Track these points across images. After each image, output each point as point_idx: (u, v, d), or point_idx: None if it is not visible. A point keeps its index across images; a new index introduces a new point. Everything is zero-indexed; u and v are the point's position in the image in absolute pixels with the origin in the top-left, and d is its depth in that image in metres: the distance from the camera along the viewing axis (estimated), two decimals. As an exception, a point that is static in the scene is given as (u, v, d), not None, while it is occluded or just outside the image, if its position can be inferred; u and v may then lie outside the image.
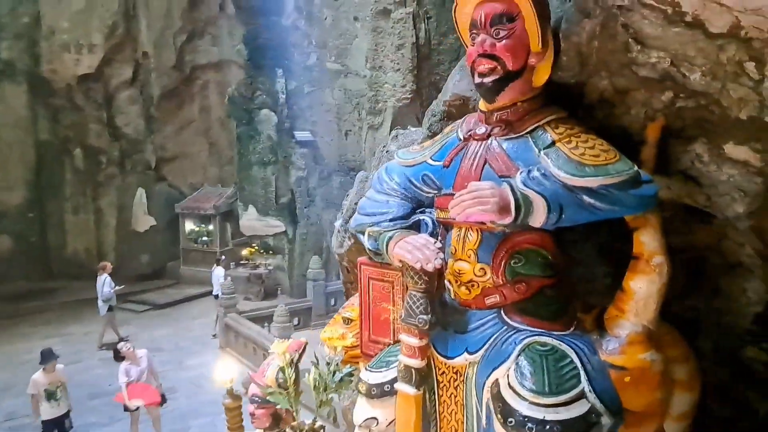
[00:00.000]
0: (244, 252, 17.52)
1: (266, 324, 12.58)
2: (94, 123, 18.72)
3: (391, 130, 16.80)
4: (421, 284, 1.89)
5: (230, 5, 19.10)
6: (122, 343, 8.37)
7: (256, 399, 4.04)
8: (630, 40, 1.69)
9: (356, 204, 2.96)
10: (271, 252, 17.36)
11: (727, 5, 1.42)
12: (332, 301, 14.55)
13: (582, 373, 1.75)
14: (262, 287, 16.71)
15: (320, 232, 16.87)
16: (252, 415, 4.14)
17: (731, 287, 1.98)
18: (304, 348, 3.98)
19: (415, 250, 1.91)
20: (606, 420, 1.70)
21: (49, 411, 7.81)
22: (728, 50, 1.55)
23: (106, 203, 18.89)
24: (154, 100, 19.05)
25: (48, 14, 17.98)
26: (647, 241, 1.82)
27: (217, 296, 14.06)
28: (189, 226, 18.66)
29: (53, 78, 18.34)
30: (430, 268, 1.86)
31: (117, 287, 13.15)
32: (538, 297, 1.93)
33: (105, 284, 12.86)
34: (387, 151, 2.80)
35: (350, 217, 2.97)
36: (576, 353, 1.80)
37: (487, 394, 1.83)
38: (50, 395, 7.74)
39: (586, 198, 1.78)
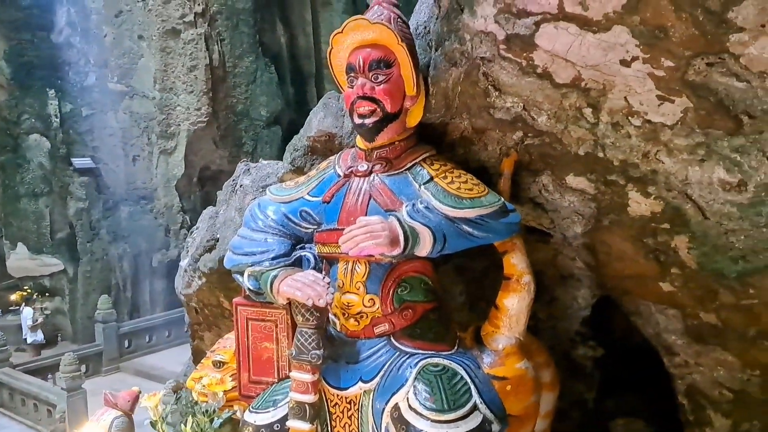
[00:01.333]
0: (14, 296, 15.29)
1: (50, 375, 11.15)
2: None
3: (186, 155, 16.23)
4: (312, 321, 1.90)
5: (-15, 16, 16.77)
6: None
7: (88, 458, 3.60)
8: (489, 86, 1.92)
9: (208, 241, 2.86)
10: (47, 294, 15.43)
11: (571, 61, 1.70)
12: (126, 343, 13.47)
13: (472, 387, 1.90)
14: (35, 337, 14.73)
15: (107, 267, 15.50)
16: (77, 485, 3.67)
17: (564, 296, 2.33)
18: (137, 398, 3.65)
19: (305, 287, 1.92)
20: (496, 427, 1.87)
21: None
22: (570, 97, 1.84)
23: None
24: None
25: None
26: (517, 263, 2.05)
27: (25, 340, 13.01)
28: (-65, 271, 15.76)
29: None
30: (322, 303, 1.88)
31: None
32: (423, 321, 2.05)
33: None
34: (241, 186, 2.73)
35: (200, 256, 2.85)
36: (465, 370, 1.95)
37: (386, 419, 1.89)
38: None
39: (465, 227, 1.95)
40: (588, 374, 2.39)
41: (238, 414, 2.20)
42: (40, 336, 13.20)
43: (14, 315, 14.81)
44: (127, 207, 16.08)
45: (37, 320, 13.20)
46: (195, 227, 3.17)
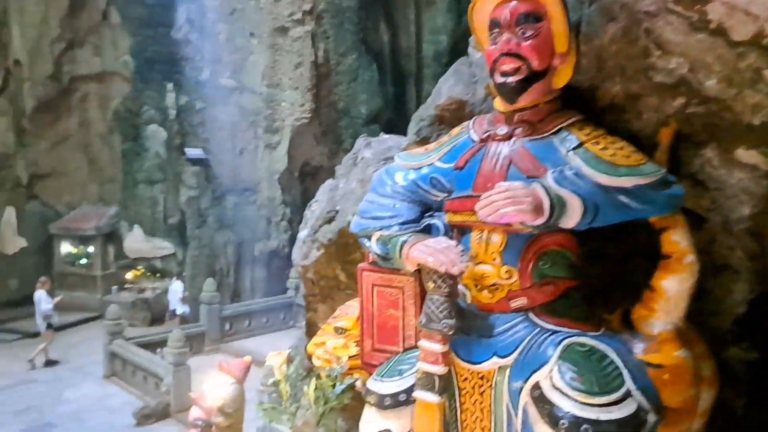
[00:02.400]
0: (129, 275, 16.40)
1: (159, 350, 11.78)
2: (-49, 135, 16.83)
3: (289, 150, 16.66)
4: (445, 288, 1.81)
5: (114, 14, 18.02)
6: None
7: (199, 423, 3.73)
8: (650, 45, 1.75)
9: (328, 212, 2.85)
10: (158, 275, 16.39)
11: (753, 14, 1.51)
12: (227, 326, 14.00)
13: (624, 371, 1.75)
14: (148, 312, 15.71)
15: (213, 254, 16.22)
16: (194, 439, 3.82)
17: (717, 289, 2.09)
18: (249, 367, 3.75)
19: (438, 253, 1.84)
20: (651, 417, 1.70)
21: None
22: (748, 57, 1.65)
23: (-33, 224, 16.96)
24: (26, 112, 17.45)
25: None
26: (679, 240, 1.86)
27: (174, 312, 13.99)
28: (65, 248, 17.16)
29: None
30: (455, 271, 1.80)
31: (56, 299, 12.76)
32: (565, 298, 1.92)
33: (42, 300, 12.30)
34: (362, 158, 2.71)
35: (319, 227, 2.85)
36: (615, 352, 1.80)
37: (525, 398, 1.78)
38: None
39: (621, 198, 1.79)
40: (738, 379, 2.14)
41: (358, 384, 2.16)
42: (187, 309, 14.07)
43: (129, 292, 15.93)
44: (233, 197, 16.77)
45: (185, 294, 14.03)
46: (314, 200, 3.18)
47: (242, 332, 14.14)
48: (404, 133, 2.69)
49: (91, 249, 16.99)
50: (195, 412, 3.70)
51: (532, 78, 1.93)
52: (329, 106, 17.71)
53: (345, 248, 2.65)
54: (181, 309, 14.41)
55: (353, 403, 2.20)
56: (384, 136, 2.80)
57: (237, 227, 16.59)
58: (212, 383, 3.23)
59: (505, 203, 1.73)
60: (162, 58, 16.87)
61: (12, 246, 17.13)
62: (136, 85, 16.85)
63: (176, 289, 14.51)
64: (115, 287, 16.84)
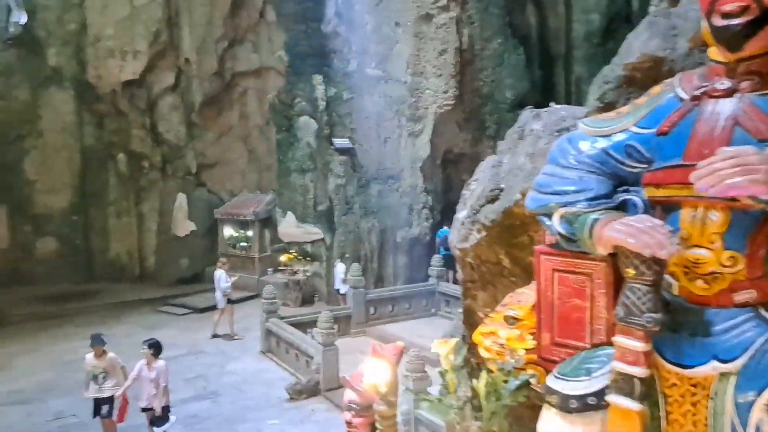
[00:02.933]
0: (282, 258, 17.35)
1: (309, 330, 12.28)
2: (137, 129, 18.82)
3: (432, 137, 16.45)
4: (649, 275, 1.54)
5: (271, 12, 19.04)
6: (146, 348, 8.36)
7: (354, 406, 3.73)
8: None
9: (491, 191, 2.64)
10: (308, 259, 17.15)
11: None
12: (371, 310, 14.29)
13: None
14: (300, 293, 16.51)
15: (358, 240, 16.63)
16: (348, 423, 3.81)
17: None
18: (401, 352, 3.67)
19: (641, 233, 1.57)
20: None
21: (91, 391, 8.28)
22: None
23: (148, 208, 18.93)
24: (195, 107, 19.06)
25: (94, 21, 18.17)
26: None
27: (338, 291, 15.00)
28: (228, 231, 18.55)
29: (98, 84, 18.50)
30: (664, 255, 1.52)
31: (233, 278, 14.24)
32: (811, 295, 1.57)
33: (221, 279, 13.65)
34: (531, 130, 2.45)
35: (480, 207, 2.64)
36: None
37: (760, 413, 1.47)
38: (94, 377, 8.23)
39: None
40: None
41: (533, 381, 1.94)
42: (348, 288, 14.69)
43: (283, 274, 16.85)
44: (377, 185, 17.04)
45: (348, 275, 14.74)
46: (473, 178, 2.97)
47: (386, 317, 14.37)
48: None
49: (250, 233, 18.20)
50: (349, 395, 3.69)
51: (764, 19, 1.59)
52: (473, 93, 17.36)
53: (510, 230, 2.41)
54: (343, 289, 15.00)
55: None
56: (555, 106, 2.52)
57: (381, 214, 16.86)
58: (366, 367, 3.19)
59: (733, 172, 1.42)
60: (313, 51, 17.51)
61: (183, 229, 18.86)
62: (290, 78, 17.66)
63: (340, 270, 15.19)
64: (270, 269, 17.95)
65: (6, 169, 17.88)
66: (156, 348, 8.36)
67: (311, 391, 10.58)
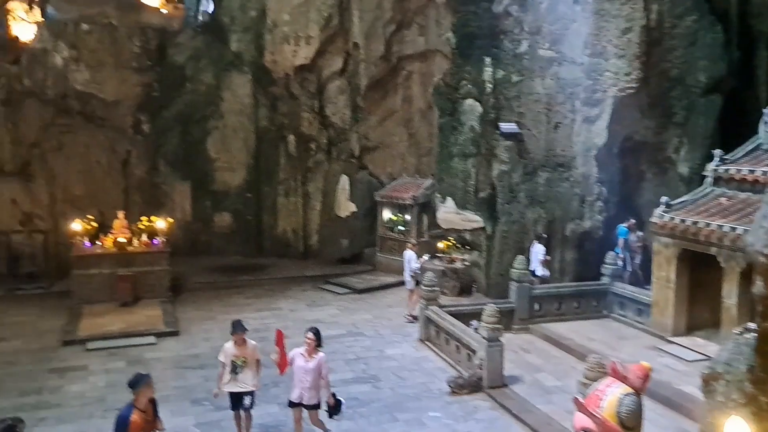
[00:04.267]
0: (440, 245, 17.11)
1: (471, 323, 11.89)
2: (306, 111, 19.56)
3: (609, 123, 15.22)
4: None
5: (440, -6, 18.72)
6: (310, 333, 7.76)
7: (592, 435, 3.21)
8: None
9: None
10: (467, 247, 16.73)
11: None
12: (536, 306, 13.56)
13: None
14: (458, 282, 16.18)
15: (522, 231, 15.88)
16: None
17: None
18: (648, 375, 2.96)
19: None
20: None
21: (230, 383, 7.80)
22: None
23: (313, 188, 19.67)
24: (360, 91, 19.35)
25: (272, 8, 19.05)
26: None
27: (534, 273, 14.42)
28: (386, 214, 18.70)
29: (274, 68, 19.45)
30: None
31: (422, 259, 14.45)
32: None
33: (412, 260, 14.05)
34: None
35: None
36: None
37: None
38: (234, 368, 7.72)
39: None
40: None
41: None
42: (547, 272, 14.63)
43: (440, 261, 16.59)
44: (546, 173, 16.14)
45: (546, 257, 14.65)
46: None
47: (551, 315, 13.63)
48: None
49: (407, 217, 18.19)
50: (582, 421, 3.15)
51: None
52: (660, 75, 15.77)
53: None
54: (541, 271, 14.65)
55: None
56: None
57: (548, 204, 15.97)
58: (608, 391, 2.69)
59: None
60: (481, 33, 16.92)
61: (345, 210, 19.35)
62: (456, 61, 17.24)
63: (537, 250, 14.76)
64: (427, 255, 17.78)
65: (192, 147, 19.48)
66: (319, 337, 7.77)
67: (474, 386, 10.23)
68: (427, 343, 12.52)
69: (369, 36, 18.73)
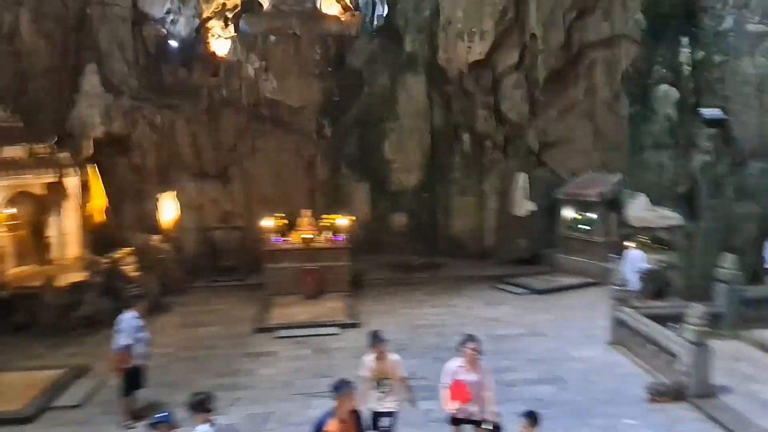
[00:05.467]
0: (631, 245, 15.64)
1: (671, 325, 10.58)
2: (481, 108, 19.21)
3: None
4: None
5: (631, -25, 17.31)
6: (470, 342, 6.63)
7: None
8: None
9: None
10: (662, 246, 15.11)
11: None
12: (748, 311, 11.76)
13: None
14: (651, 285, 14.61)
15: (730, 228, 13.98)
16: None
17: None
18: None
19: None
20: None
21: (372, 400, 6.68)
22: None
23: (489, 187, 19.21)
24: (539, 83, 18.54)
25: (446, 6, 19.03)
26: None
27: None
28: (569, 213, 17.60)
29: (448, 66, 19.41)
30: None
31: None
32: None
33: (637, 259, 13.48)
34: None
35: None
36: None
37: None
38: (376, 385, 6.67)
39: None
40: None
41: None
42: None
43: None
44: (758, 163, 14.19)
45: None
46: None
47: (766, 321, 11.73)
48: None
49: (593, 215, 16.95)
50: None
51: None
52: None
53: None
54: None
55: None
56: None
57: (762, 198, 13.92)
58: None
59: None
60: (676, 12, 15.42)
61: (522, 209, 18.60)
62: (647, 44, 15.81)
63: None
64: (615, 255, 16.42)
65: (369, 149, 20.06)
66: (479, 345, 6.63)
67: (676, 394, 9.07)
68: (617, 346, 11.43)
69: (548, 25, 17.90)
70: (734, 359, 10.46)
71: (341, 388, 5.39)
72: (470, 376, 6.57)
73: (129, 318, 8.73)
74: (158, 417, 5.50)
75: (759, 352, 10.88)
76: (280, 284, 15.40)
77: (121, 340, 8.60)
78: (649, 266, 13.24)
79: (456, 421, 6.77)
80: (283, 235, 16.18)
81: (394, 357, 6.87)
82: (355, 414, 5.61)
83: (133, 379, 8.73)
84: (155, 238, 16.99)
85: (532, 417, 5.85)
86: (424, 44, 19.73)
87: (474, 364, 6.59)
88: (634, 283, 13.16)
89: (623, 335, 11.35)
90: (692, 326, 9.20)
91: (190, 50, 21.55)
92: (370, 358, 6.78)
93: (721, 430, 8.11)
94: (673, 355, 9.59)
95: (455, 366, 6.66)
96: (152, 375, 9.63)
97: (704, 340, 9.14)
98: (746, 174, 14.15)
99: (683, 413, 8.67)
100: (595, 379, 10.02)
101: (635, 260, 13.33)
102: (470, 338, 6.72)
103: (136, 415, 8.62)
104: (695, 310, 9.33)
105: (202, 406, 5.59)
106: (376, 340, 6.78)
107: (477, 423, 6.62)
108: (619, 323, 11.46)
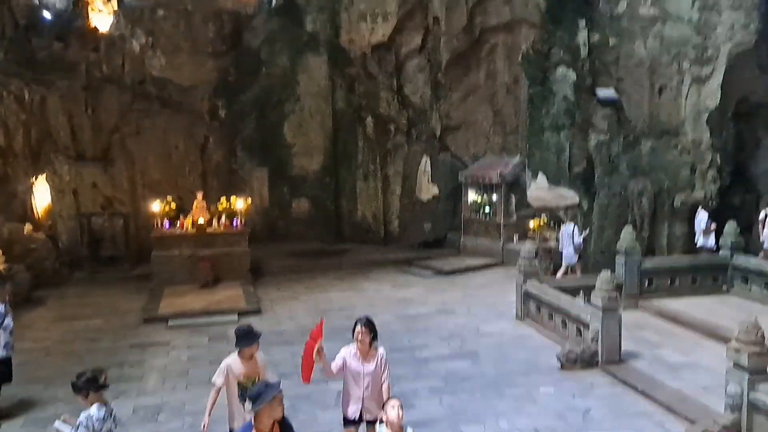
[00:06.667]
0: (531, 224, 15.89)
1: (577, 297, 10.62)
2: (384, 91, 18.78)
3: (722, 84, 13.48)
4: None
5: (525, -41, 17.49)
6: None
7: None
8: None
9: None
10: (561, 225, 15.38)
11: None
12: (646, 282, 12.15)
13: None
14: (551, 263, 14.85)
15: (624, 204, 14.47)
16: None
17: None
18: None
19: None
20: None
21: (240, 416, 5.24)
22: None
23: (393, 171, 18.85)
24: (441, 67, 18.38)
25: (349, -15, 18.39)
26: None
27: (700, 246, 13.63)
28: (471, 196, 17.58)
29: (350, 48, 18.80)
30: None
31: (584, 234, 13.53)
32: None
33: (575, 234, 13.30)
34: None
35: None
36: None
37: None
38: (243, 393, 5.07)
39: None
40: None
41: None
42: (712, 242, 13.37)
43: (532, 242, 15.33)
44: (650, 141, 14.76)
45: (711, 226, 13.46)
46: None
47: (663, 290, 12.29)
48: None
49: (494, 197, 17.03)
50: None
51: None
52: (782, 27, 14.03)
53: None
54: (702, 241, 13.55)
55: None
56: None
57: (654, 174, 14.52)
58: None
59: None
60: (574, -6, 15.69)
61: (426, 193, 18.39)
62: (546, 26, 16.01)
63: (701, 219, 13.62)
64: (515, 235, 16.60)
65: (268, 132, 19.07)
66: (373, 328, 5.48)
67: (587, 361, 9.05)
68: (526, 320, 11.37)
69: (450, 8, 17.73)
70: (638, 327, 10.66)
71: (260, 396, 3.84)
72: (365, 366, 5.48)
73: (-14, 304, 7.40)
74: None
75: (660, 321, 11.18)
76: (171, 273, 14.15)
77: (-21, 329, 7.28)
78: (580, 241, 13.25)
79: (348, 422, 5.67)
80: (174, 220, 14.90)
81: (262, 356, 5.60)
82: (283, 424, 4.05)
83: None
84: (26, 226, 15.10)
85: (368, 322, 5.43)
86: (325, 24, 19.01)
87: (367, 352, 5.48)
88: (570, 257, 13.26)
89: (531, 309, 11.29)
90: (603, 292, 9.17)
91: (67, 24, 19.46)
92: (234, 360, 5.41)
93: (635, 393, 8.11)
94: (582, 323, 9.57)
95: (348, 353, 5.54)
96: (23, 371, 8.53)
97: (614, 306, 9.15)
98: (639, 152, 14.65)
99: (597, 379, 8.65)
100: (507, 352, 9.85)
101: (572, 236, 13.27)
102: (359, 319, 5.53)
103: (2, 414, 7.38)
104: (603, 275, 9.34)
105: (92, 383, 4.62)
106: (249, 337, 5.37)
107: (372, 423, 5.34)
108: (527, 296, 11.38)
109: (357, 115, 19.02)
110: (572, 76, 15.15)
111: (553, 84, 15.50)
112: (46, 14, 19.12)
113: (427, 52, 18.63)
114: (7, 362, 7.64)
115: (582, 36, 15.05)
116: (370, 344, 5.51)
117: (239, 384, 5.34)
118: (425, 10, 18.32)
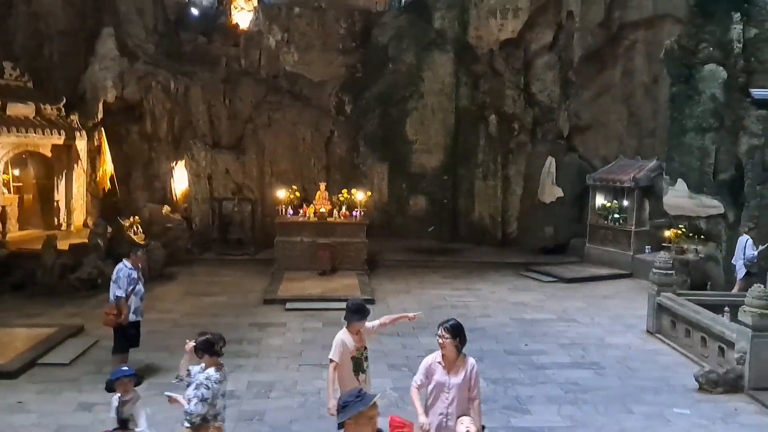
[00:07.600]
0: (667, 234, 14.62)
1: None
2: (510, 89, 18.26)
3: None
4: None
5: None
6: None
7: None
8: None
9: None
10: (701, 237, 14.06)
11: None
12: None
13: None
14: (688, 277, 13.58)
15: (777, 218, 12.88)
16: None
17: None
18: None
19: None
20: None
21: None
22: None
23: (514, 171, 18.27)
24: (573, 64, 17.53)
25: (480, -20, 18.08)
26: None
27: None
28: (599, 200, 16.55)
29: (477, 44, 18.48)
30: None
31: (763, 246, 11.95)
32: None
33: (748, 246, 11.96)
34: None
35: None
36: None
37: None
38: (357, 366, 5.25)
39: None
40: None
41: None
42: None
43: (667, 252, 14.12)
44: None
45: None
46: None
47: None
48: None
49: (625, 203, 15.93)
50: None
51: None
52: None
53: None
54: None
55: None
56: None
57: (816, 186, 12.82)
58: None
59: None
60: (727, -12, 14.30)
61: (549, 195, 17.61)
62: (695, 20, 14.74)
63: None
64: (648, 246, 15.41)
65: (390, 128, 19.17)
66: (460, 334, 4.57)
67: (731, 385, 8.07)
68: (657, 335, 10.43)
69: (586, 2, 16.89)
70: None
71: (361, 312, 4.25)
72: (451, 378, 4.61)
73: (123, 268, 7.92)
74: (116, 374, 4.86)
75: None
76: (292, 258, 14.57)
77: (116, 291, 7.80)
78: (755, 254, 11.84)
79: None
80: (297, 208, 15.36)
81: (370, 324, 5.51)
82: None
83: (127, 335, 7.91)
84: (164, 208, 16.23)
85: (455, 327, 4.57)
86: (453, 21, 18.81)
87: (453, 360, 4.61)
88: (740, 271, 12.05)
89: (665, 323, 10.36)
90: (753, 308, 8.17)
91: (211, 20, 20.84)
92: (346, 335, 5.31)
93: (787, 425, 7.12)
94: (726, 342, 8.59)
95: (433, 361, 4.72)
96: (151, 339, 9.01)
97: (765, 325, 8.12)
98: (798, 160, 13.05)
99: (741, 405, 7.70)
100: (635, 366, 9.07)
101: (743, 247, 12.04)
102: (444, 324, 4.65)
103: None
104: (756, 290, 8.31)
105: (211, 348, 4.83)
106: (362, 311, 5.31)
107: None
108: (660, 309, 10.45)
109: (480, 113, 18.62)
110: (723, 74, 13.84)
111: (699, 82, 14.24)
112: (194, 11, 20.57)
113: (559, 49, 17.88)
114: (136, 326, 8.09)
115: (736, 31, 13.70)
116: (458, 352, 4.63)
117: (352, 358, 5.31)
118: (559, 5, 17.61)
